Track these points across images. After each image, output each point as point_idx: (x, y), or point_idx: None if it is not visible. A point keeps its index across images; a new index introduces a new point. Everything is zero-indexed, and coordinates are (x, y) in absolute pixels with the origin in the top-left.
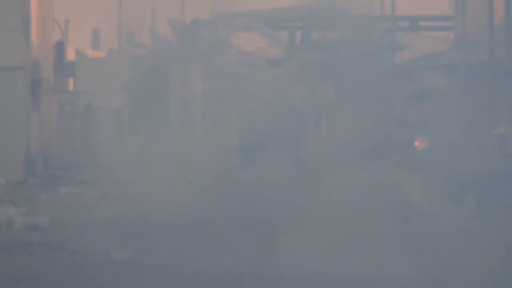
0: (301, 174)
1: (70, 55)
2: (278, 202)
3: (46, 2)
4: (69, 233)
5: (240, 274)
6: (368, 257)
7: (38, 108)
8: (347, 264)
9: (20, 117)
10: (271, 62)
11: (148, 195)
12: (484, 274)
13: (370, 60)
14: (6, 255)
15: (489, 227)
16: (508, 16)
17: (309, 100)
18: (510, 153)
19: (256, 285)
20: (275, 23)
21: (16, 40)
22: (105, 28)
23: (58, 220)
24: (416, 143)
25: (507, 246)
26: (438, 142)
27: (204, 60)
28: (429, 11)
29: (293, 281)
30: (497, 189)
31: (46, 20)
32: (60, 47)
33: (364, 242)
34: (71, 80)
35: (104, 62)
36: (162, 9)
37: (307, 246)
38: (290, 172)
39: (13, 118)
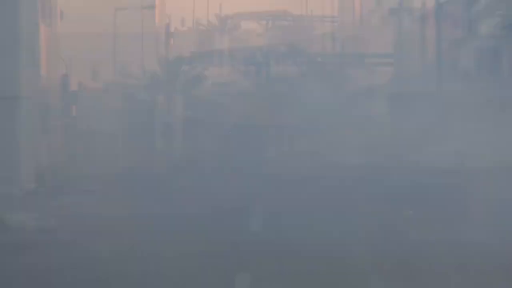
0: None
1: (73, 86)
2: None
3: (53, 40)
4: (74, 235)
5: None
6: None
7: (47, 131)
8: None
9: (31, 138)
10: (241, 92)
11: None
12: None
13: None
14: (19, 254)
15: None
16: None
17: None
18: None
19: None
20: (245, 60)
21: (28, 74)
22: (103, 63)
23: (64, 224)
24: None
25: None
26: None
27: (184, 90)
28: None
29: None
30: None
31: (52, 57)
32: (64, 79)
33: None
34: (74, 107)
35: (102, 92)
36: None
37: None
38: None
39: (26, 138)
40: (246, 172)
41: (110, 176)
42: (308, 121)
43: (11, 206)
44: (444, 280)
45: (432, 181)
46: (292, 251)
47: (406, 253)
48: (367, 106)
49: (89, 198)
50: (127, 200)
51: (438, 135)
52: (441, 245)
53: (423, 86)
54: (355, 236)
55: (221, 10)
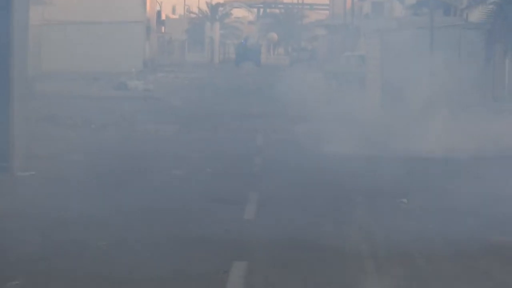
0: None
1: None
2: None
3: None
4: (162, 92)
5: None
6: None
7: (149, 39)
8: None
9: (141, 44)
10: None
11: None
12: None
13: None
14: (134, 102)
15: (342, 94)
16: None
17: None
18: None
19: None
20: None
21: (139, 10)
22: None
23: (158, 87)
24: None
25: (349, 99)
26: None
27: (219, 20)
28: None
29: None
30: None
31: (153, 1)
32: (158, 13)
33: None
34: (163, 28)
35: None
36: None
37: None
38: None
39: (138, 44)
40: None
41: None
42: None
43: (130, 77)
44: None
45: None
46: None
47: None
48: None
49: (170, 74)
50: (190, 75)
51: None
52: None
53: None
54: None
55: None
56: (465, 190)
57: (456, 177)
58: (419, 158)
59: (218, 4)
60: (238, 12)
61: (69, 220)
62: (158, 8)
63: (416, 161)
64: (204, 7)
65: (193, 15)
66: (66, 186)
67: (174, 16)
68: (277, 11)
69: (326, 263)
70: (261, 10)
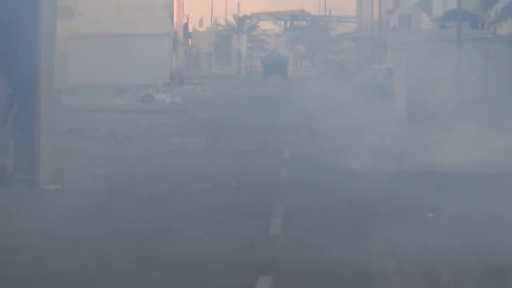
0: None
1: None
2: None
3: (180, 3)
4: (189, 105)
5: None
6: None
7: (176, 52)
8: None
9: (168, 56)
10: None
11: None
12: None
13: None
14: (160, 115)
15: (369, 107)
16: None
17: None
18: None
19: None
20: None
21: (166, 22)
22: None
23: (185, 99)
24: None
25: (376, 112)
26: None
27: (246, 33)
28: None
29: None
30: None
31: (180, 13)
32: (185, 25)
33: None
34: (190, 40)
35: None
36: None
37: None
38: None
39: (165, 57)
40: None
41: (207, 77)
42: None
43: (157, 90)
44: None
45: None
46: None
47: None
48: None
49: (197, 87)
50: (217, 87)
51: None
52: None
53: None
54: None
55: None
56: (494, 205)
57: (484, 191)
58: (446, 173)
59: (245, 17)
60: (265, 25)
61: (96, 235)
62: (185, 20)
63: (443, 175)
64: (231, 20)
65: (220, 28)
66: (92, 199)
67: (201, 29)
68: (304, 23)
69: (353, 279)
70: (288, 22)
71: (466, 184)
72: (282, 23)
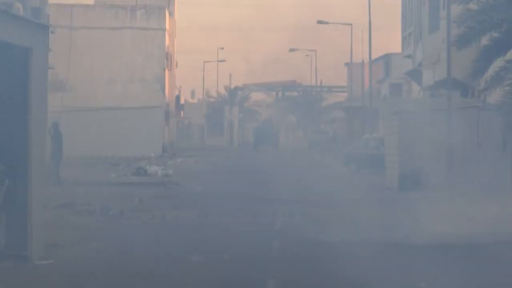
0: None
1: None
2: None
3: (172, 76)
4: (182, 177)
5: None
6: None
7: (168, 124)
8: None
9: (160, 129)
10: (269, 105)
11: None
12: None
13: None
14: (152, 188)
15: (360, 176)
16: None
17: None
18: (372, 147)
19: None
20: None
21: (158, 95)
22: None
23: (177, 172)
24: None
25: (368, 182)
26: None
27: (238, 104)
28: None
29: None
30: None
31: (172, 85)
32: (177, 97)
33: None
34: (182, 112)
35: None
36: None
37: None
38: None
39: (157, 129)
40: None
41: (200, 148)
42: None
43: (150, 162)
44: None
45: None
46: None
47: None
48: None
49: (189, 159)
50: (210, 159)
51: None
52: None
53: None
54: None
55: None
56: (485, 276)
57: (476, 262)
58: (437, 245)
59: (236, 88)
60: (257, 96)
61: None
62: (177, 92)
63: (435, 248)
64: (223, 91)
65: (212, 99)
66: (84, 274)
67: (193, 101)
68: (295, 94)
69: None
70: (280, 93)
71: (457, 254)
72: (274, 93)
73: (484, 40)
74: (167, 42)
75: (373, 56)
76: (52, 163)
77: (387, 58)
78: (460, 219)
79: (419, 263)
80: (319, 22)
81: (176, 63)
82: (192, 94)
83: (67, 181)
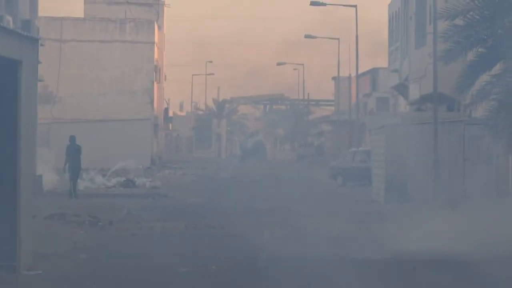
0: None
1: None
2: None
3: (161, 88)
4: (170, 189)
5: None
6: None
7: (156, 136)
8: None
9: (148, 141)
10: (256, 118)
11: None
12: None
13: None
14: (141, 199)
15: (347, 189)
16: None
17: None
18: (359, 160)
19: None
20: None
21: (147, 107)
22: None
23: (165, 183)
24: None
25: (354, 195)
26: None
27: (226, 117)
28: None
29: None
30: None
31: (160, 98)
32: (166, 110)
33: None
34: (170, 125)
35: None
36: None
37: None
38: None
39: (145, 141)
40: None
41: (188, 161)
42: None
43: (138, 175)
44: None
45: None
46: None
47: None
48: None
49: (178, 171)
50: (198, 171)
51: None
52: None
53: None
54: None
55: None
56: None
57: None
58: (422, 260)
59: (224, 101)
60: (245, 109)
61: None
62: (165, 105)
63: (420, 263)
64: (211, 104)
65: (200, 112)
66: (72, 286)
67: (181, 113)
68: (283, 107)
69: None
70: (268, 106)
71: (439, 271)
72: (262, 106)
73: (470, 55)
74: (156, 55)
75: (360, 70)
76: (70, 176)
77: (374, 72)
78: (434, 234)
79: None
80: (307, 36)
81: (165, 76)
82: (181, 107)
83: (56, 192)
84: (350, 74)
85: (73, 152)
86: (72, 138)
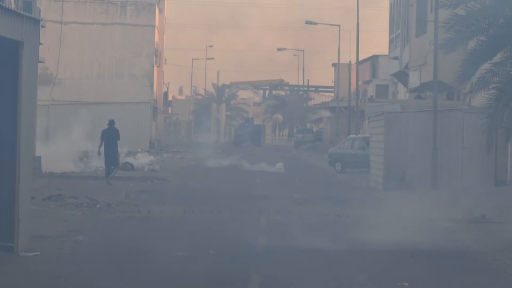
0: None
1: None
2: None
3: (161, 72)
4: (168, 173)
5: None
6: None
7: (155, 120)
8: None
9: (147, 124)
10: (256, 103)
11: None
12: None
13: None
14: (140, 182)
15: (345, 176)
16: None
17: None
18: (357, 147)
19: None
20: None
21: (147, 91)
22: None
23: (163, 167)
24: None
25: (352, 182)
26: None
27: (226, 101)
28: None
29: None
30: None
31: (160, 82)
32: (165, 94)
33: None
34: (169, 109)
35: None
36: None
37: None
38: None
39: (144, 124)
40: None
41: (186, 145)
42: None
43: (135, 157)
44: None
45: None
46: None
47: None
48: None
49: (176, 154)
50: (196, 155)
51: None
52: None
53: None
54: None
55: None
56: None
57: (468, 270)
58: (422, 251)
59: (224, 86)
60: (244, 94)
61: None
62: (165, 89)
63: (422, 254)
64: (210, 89)
65: (199, 97)
66: (69, 267)
67: (181, 97)
68: (282, 93)
69: None
70: (267, 91)
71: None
72: (261, 92)
73: (471, 44)
74: (156, 38)
75: (361, 57)
76: (107, 161)
77: (374, 60)
78: (441, 223)
79: (406, 265)
80: (308, 22)
81: (165, 60)
82: (180, 91)
83: (55, 174)
84: (350, 61)
85: (110, 135)
86: (111, 122)
